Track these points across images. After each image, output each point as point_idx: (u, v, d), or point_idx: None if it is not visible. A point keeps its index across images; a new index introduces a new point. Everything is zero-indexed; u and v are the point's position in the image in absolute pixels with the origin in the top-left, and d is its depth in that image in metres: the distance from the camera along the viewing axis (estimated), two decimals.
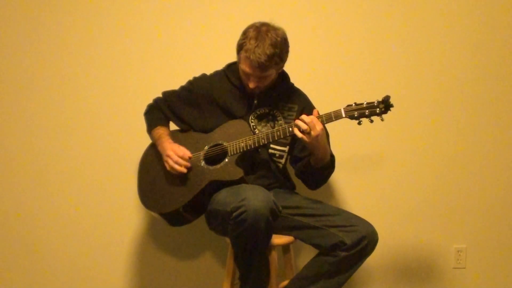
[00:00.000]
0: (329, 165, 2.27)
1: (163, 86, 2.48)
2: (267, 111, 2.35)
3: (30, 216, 2.72)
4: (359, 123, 2.14)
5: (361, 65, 2.77)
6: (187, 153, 2.28)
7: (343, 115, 2.14)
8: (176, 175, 2.31)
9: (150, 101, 2.48)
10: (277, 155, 2.35)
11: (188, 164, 2.26)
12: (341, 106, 2.16)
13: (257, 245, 2.06)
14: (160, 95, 2.47)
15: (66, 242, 2.73)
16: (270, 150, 2.34)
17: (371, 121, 2.14)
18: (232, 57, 2.33)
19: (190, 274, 2.77)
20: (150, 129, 2.43)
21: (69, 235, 2.73)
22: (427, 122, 2.81)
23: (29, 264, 2.73)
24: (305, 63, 2.71)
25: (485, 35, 2.82)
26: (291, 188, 2.45)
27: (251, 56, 2.16)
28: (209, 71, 2.45)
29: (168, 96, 2.44)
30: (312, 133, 2.10)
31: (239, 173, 2.23)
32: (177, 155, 2.26)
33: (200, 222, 2.39)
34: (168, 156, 2.28)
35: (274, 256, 2.22)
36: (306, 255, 2.69)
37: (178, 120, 2.44)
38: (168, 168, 2.29)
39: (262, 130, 2.30)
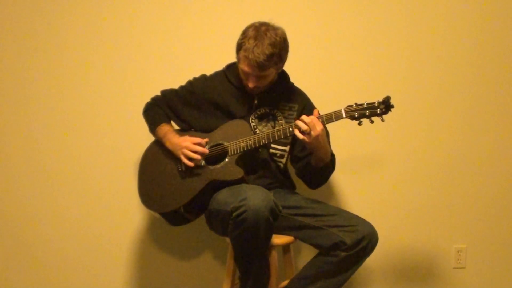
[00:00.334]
0: (330, 165, 2.28)
1: (163, 86, 2.48)
2: (267, 111, 2.35)
3: (30, 216, 2.72)
4: (360, 124, 2.14)
5: (361, 66, 2.77)
6: (203, 140, 2.27)
7: (344, 116, 2.14)
8: (176, 174, 2.31)
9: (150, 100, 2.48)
10: (278, 154, 2.35)
11: (207, 151, 2.26)
12: (341, 106, 2.16)
13: (257, 245, 2.06)
14: (159, 94, 2.47)
15: (66, 241, 2.73)
16: (271, 150, 2.34)
17: (372, 122, 2.14)
18: (232, 58, 2.33)
19: (190, 274, 2.77)
20: (153, 127, 2.42)
21: (69, 235, 2.73)
22: (427, 123, 2.81)
23: (29, 264, 2.73)
24: (306, 63, 2.71)
25: (486, 35, 2.82)
26: (291, 188, 2.45)
27: (250, 56, 2.16)
28: (209, 71, 2.45)
29: (168, 95, 2.44)
30: (312, 133, 2.10)
31: (239, 173, 2.23)
32: (195, 143, 2.26)
33: (200, 222, 2.39)
34: (186, 147, 2.26)
35: (274, 256, 2.22)
36: (306, 255, 2.69)
37: (178, 120, 2.44)
38: (185, 160, 2.27)
39: (263, 130, 2.30)
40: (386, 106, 2.11)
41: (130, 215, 2.73)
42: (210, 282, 2.76)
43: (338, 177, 2.77)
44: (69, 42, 2.70)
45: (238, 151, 2.25)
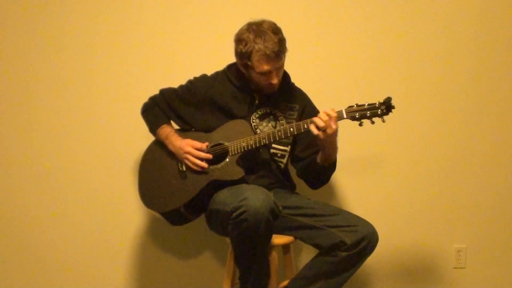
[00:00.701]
0: (334, 164, 2.28)
1: (163, 86, 2.47)
2: (268, 111, 2.35)
3: (30, 216, 2.72)
4: (361, 124, 2.14)
5: (362, 66, 2.77)
6: (204, 145, 2.28)
7: (345, 116, 2.14)
8: (176, 174, 2.31)
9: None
10: (279, 154, 2.35)
11: (210, 156, 2.27)
12: (342, 107, 2.15)
13: (257, 245, 2.06)
14: (157, 93, 2.46)
15: (66, 241, 2.73)
16: (272, 150, 2.34)
17: (372, 122, 2.14)
18: (233, 57, 2.32)
19: (190, 274, 2.77)
20: (154, 128, 2.41)
21: (69, 234, 2.73)
22: (428, 124, 2.81)
23: (29, 264, 2.73)
24: (307, 63, 2.71)
25: (486, 35, 2.81)
26: (292, 188, 2.45)
27: (267, 51, 2.16)
28: (209, 71, 2.45)
29: (167, 94, 2.43)
30: (328, 130, 2.10)
31: (239, 173, 2.23)
32: (196, 148, 2.26)
33: (200, 222, 2.39)
34: (189, 152, 2.27)
35: (274, 256, 2.22)
36: (306, 255, 2.70)
37: (178, 119, 2.43)
38: (190, 165, 2.28)
39: (264, 130, 2.30)
40: (387, 107, 2.11)
41: (130, 215, 2.73)
42: (210, 282, 2.76)
43: (338, 177, 2.77)
44: (69, 42, 2.70)
45: (239, 151, 2.25)
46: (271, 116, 2.35)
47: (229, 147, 2.27)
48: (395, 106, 2.11)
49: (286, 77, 2.40)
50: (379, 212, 2.77)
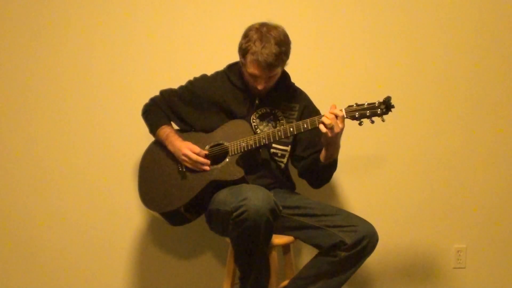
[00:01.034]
0: (336, 162, 2.28)
1: (163, 86, 2.47)
2: (268, 111, 2.35)
3: (30, 216, 2.71)
4: (360, 124, 2.15)
5: (362, 66, 2.77)
6: (202, 151, 2.28)
7: (344, 116, 2.13)
8: (176, 174, 2.31)
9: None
10: (279, 154, 2.35)
11: (208, 161, 2.27)
12: (342, 106, 2.16)
13: (257, 245, 2.06)
14: (158, 94, 2.46)
15: (66, 241, 2.73)
16: (272, 150, 2.34)
17: (372, 122, 2.14)
18: (232, 58, 2.32)
19: (190, 274, 2.77)
20: (154, 129, 2.41)
21: (69, 234, 2.73)
22: (428, 123, 2.82)
23: (29, 264, 2.72)
24: (306, 63, 2.71)
25: (486, 35, 2.82)
26: (292, 188, 2.45)
27: (260, 58, 2.16)
28: (209, 71, 2.45)
29: (168, 95, 2.43)
30: (335, 129, 2.11)
31: (239, 173, 2.23)
32: (194, 152, 2.26)
33: (200, 222, 2.39)
34: (186, 155, 2.27)
35: (274, 256, 2.22)
36: (306, 255, 2.70)
37: (179, 120, 2.43)
38: (189, 166, 2.29)
39: (264, 130, 2.30)
40: (386, 106, 2.11)
41: (130, 215, 2.73)
42: (210, 282, 2.76)
43: (338, 177, 2.77)
44: (69, 42, 2.69)
45: (239, 151, 2.25)
46: (271, 116, 2.35)
47: (229, 147, 2.27)
48: (395, 105, 2.11)
49: (286, 77, 2.40)
50: (379, 212, 2.77)
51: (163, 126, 2.39)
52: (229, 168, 2.25)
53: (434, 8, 2.79)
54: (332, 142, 2.17)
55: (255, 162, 2.33)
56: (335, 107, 2.15)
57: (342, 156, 2.31)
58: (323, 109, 2.24)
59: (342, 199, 2.80)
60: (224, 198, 2.14)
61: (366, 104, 2.13)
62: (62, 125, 2.71)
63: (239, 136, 2.27)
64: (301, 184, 2.45)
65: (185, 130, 2.42)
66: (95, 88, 2.71)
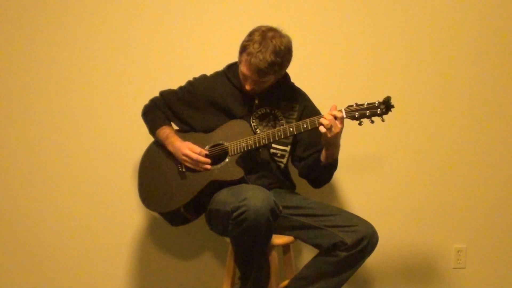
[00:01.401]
0: (336, 161, 2.28)
1: (163, 87, 2.47)
2: (268, 111, 2.35)
3: (30, 216, 2.71)
4: (360, 124, 2.15)
5: (362, 66, 2.77)
6: (203, 151, 2.28)
7: (344, 116, 2.14)
8: (176, 175, 2.31)
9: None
10: (278, 154, 2.35)
11: (208, 161, 2.27)
12: (342, 106, 2.16)
13: (257, 245, 2.06)
14: (157, 95, 2.46)
15: (66, 241, 2.73)
16: (272, 150, 2.34)
17: (372, 122, 2.14)
18: (232, 58, 2.32)
19: (190, 274, 2.77)
20: (154, 129, 2.41)
21: (69, 234, 2.73)
22: (427, 123, 2.82)
23: (29, 264, 2.72)
24: (306, 63, 2.71)
25: (486, 35, 2.82)
26: (292, 188, 2.45)
27: (252, 60, 2.16)
28: (209, 71, 2.45)
29: (167, 96, 2.43)
30: (334, 129, 2.11)
31: (239, 173, 2.23)
32: (195, 152, 2.26)
33: (200, 222, 2.39)
34: (186, 155, 2.27)
35: (274, 256, 2.22)
36: (306, 255, 2.70)
37: (178, 120, 2.43)
38: (189, 165, 2.28)
39: (264, 130, 2.30)
40: (386, 106, 2.11)
41: (130, 215, 2.73)
42: (210, 282, 2.76)
43: (338, 177, 2.77)
44: (69, 42, 2.69)
45: (239, 151, 2.25)
46: (271, 116, 2.35)
47: (229, 147, 2.27)
48: (395, 105, 2.10)
49: (286, 77, 2.40)
50: (379, 212, 2.77)
51: (163, 127, 2.39)
52: (229, 168, 2.25)
53: (434, 8, 2.79)
54: (332, 142, 2.17)
55: (255, 162, 2.33)
56: (335, 108, 2.15)
57: (342, 156, 2.31)
58: (323, 109, 2.24)
59: (342, 199, 2.80)
60: (224, 198, 2.14)
61: (366, 104, 2.13)
62: (62, 126, 2.71)
63: (239, 136, 2.27)
64: (301, 184, 2.45)
65: (185, 131, 2.42)
66: (95, 88, 2.71)
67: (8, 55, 2.69)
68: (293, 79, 2.43)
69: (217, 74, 2.42)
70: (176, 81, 2.46)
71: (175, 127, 2.45)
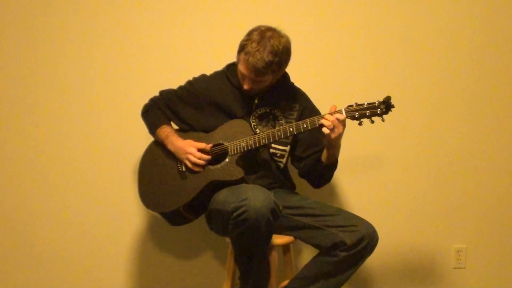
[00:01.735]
0: (336, 161, 2.29)
1: (163, 86, 2.47)
2: (267, 111, 2.35)
3: (30, 216, 2.72)
4: (360, 124, 2.14)
5: (362, 66, 2.77)
6: (207, 146, 2.28)
7: (344, 116, 2.13)
8: (176, 175, 2.31)
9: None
10: (278, 154, 2.35)
11: (209, 157, 2.27)
12: (342, 106, 2.15)
13: (258, 245, 2.07)
14: (157, 95, 2.46)
15: (66, 241, 2.73)
16: (271, 150, 2.34)
17: (372, 122, 2.14)
18: (232, 58, 2.32)
19: (190, 274, 2.77)
20: (154, 129, 2.41)
21: (69, 235, 2.73)
22: (428, 123, 2.82)
23: (29, 264, 2.72)
24: (306, 63, 2.71)
25: (486, 35, 2.82)
26: (292, 188, 2.45)
27: (250, 59, 2.16)
28: (209, 71, 2.45)
29: (167, 96, 2.43)
30: (336, 130, 2.11)
31: (239, 173, 2.23)
32: (199, 148, 2.26)
33: (200, 222, 2.39)
34: (191, 153, 2.27)
35: (274, 256, 2.22)
36: (306, 255, 2.70)
37: (178, 120, 2.43)
38: (189, 165, 2.28)
39: (263, 130, 2.30)
40: (386, 106, 2.10)
41: (130, 215, 2.73)
42: (210, 282, 2.76)
43: (338, 177, 2.77)
44: (69, 42, 2.70)
45: (238, 151, 2.25)
46: (271, 116, 2.35)
47: (229, 147, 2.27)
48: (395, 105, 2.10)
49: (286, 77, 2.40)
50: (379, 212, 2.77)
51: (163, 126, 2.39)
52: (229, 168, 2.25)
53: (434, 8, 2.79)
54: (333, 143, 2.17)
55: (255, 162, 2.33)
56: (335, 108, 2.15)
57: (342, 156, 2.31)
58: (323, 109, 2.23)
59: (342, 199, 2.80)
60: (224, 198, 2.14)
61: (366, 104, 2.13)
62: (62, 125, 2.71)
63: (239, 136, 2.27)
64: (301, 184, 2.45)
65: (185, 130, 2.41)
66: (95, 88, 2.71)
67: (8, 55, 2.69)
68: (293, 79, 2.43)
69: (216, 74, 2.42)
70: (176, 81, 2.46)
71: (175, 127, 2.45)
